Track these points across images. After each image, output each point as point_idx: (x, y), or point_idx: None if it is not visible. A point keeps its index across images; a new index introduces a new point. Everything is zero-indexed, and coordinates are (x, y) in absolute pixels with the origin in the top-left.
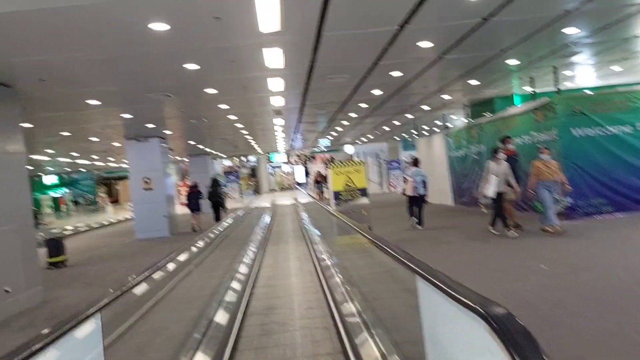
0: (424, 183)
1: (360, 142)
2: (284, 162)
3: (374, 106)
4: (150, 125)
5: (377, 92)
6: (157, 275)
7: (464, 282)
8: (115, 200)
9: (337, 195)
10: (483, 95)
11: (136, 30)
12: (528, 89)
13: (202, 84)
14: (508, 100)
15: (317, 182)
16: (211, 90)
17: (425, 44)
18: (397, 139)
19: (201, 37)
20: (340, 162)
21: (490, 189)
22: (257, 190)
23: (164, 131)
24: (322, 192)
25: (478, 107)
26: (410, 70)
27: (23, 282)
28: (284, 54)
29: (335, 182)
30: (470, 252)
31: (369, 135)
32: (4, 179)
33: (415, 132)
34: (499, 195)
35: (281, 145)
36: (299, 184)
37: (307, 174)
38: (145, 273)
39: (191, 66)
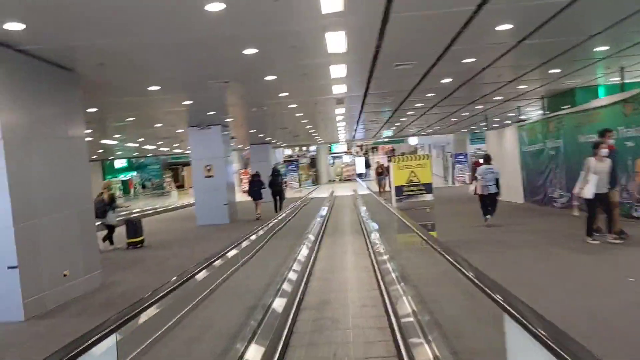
0: (496, 180)
1: (425, 134)
2: (345, 153)
3: (443, 96)
4: (212, 113)
5: (446, 80)
6: (212, 266)
7: (539, 296)
8: (180, 185)
9: (399, 190)
10: (563, 86)
11: (193, 12)
12: (616, 79)
13: (262, 71)
14: (591, 91)
15: (378, 173)
16: (271, 78)
17: (504, 27)
18: (465, 130)
19: (259, 19)
20: (405, 155)
21: (589, 189)
22: (316, 181)
23: (226, 119)
24: (383, 185)
25: (556, 99)
26: (485, 57)
27: (82, 267)
28: (347, 38)
29: (397, 177)
30: (547, 260)
31: (435, 127)
32: (64, 164)
33: (485, 124)
34: (599, 196)
35: (342, 135)
36: (359, 175)
37: (367, 165)
38: (201, 265)
39: (250, 51)
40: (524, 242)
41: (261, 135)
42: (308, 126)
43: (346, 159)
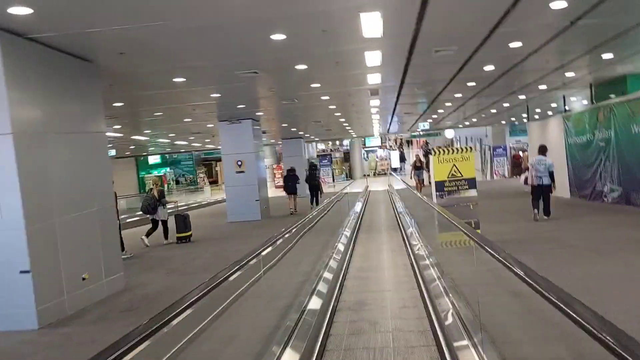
0: (550, 173)
1: (462, 126)
2: (379, 147)
3: (483, 85)
4: (241, 106)
5: (488, 68)
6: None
7: (604, 304)
8: (214, 181)
9: (440, 185)
10: (613, 73)
11: None
12: None
13: (291, 59)
14: None
15: (416, 167)
16: (301, 67)
17: (558, 5)
18: (504, 122)
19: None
20: (446, 148)
21: None
22: (350, 175)
23: (256, 113)
24: (421, 180)
25: (605, 87)
26: (533, 40)
27: (102, 269)
28: (383, 20)
29: (438, 171)
30: (605, 262)
31: (473, 119)
32: (84, 161)
33: (526, 116)
34: None
35: (376, 128)
36: (394, 170)
37: (402, 159)
38: (229, 271)
39: (278, 37)
40: (578, 240)
41: (293, 129)
42: (341, 119)
43: (380, 152)
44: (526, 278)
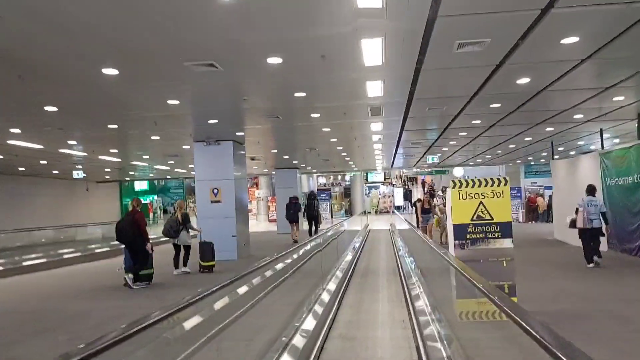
0: (602, 214)
1: (472, 164)
2: (382, 183)
3: (510, 108)
4: (213, 122)
5: (522, 80)
6: None
7: None
8: None
9: (460, 231)
10: None
11: None
12: None
13: (262, 48)
14: None
15: (424, 210)
16: (275, 59)
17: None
18: (519, 162)
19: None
20: (471, 180)
21: None
22: (349, 211)
23: (237, 133)
24: (430, 228)
25: None
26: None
27: None
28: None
29: (458, 211)
30: None
31: (486, 155)
32: None
33: (545, 154)
34: None
35: (379, 161)
36: (397, 208)
37: (406, 197)
38: None
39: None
40: None
41: (286, 157)
42: (339, 147)
43: (384, 189)
44: None
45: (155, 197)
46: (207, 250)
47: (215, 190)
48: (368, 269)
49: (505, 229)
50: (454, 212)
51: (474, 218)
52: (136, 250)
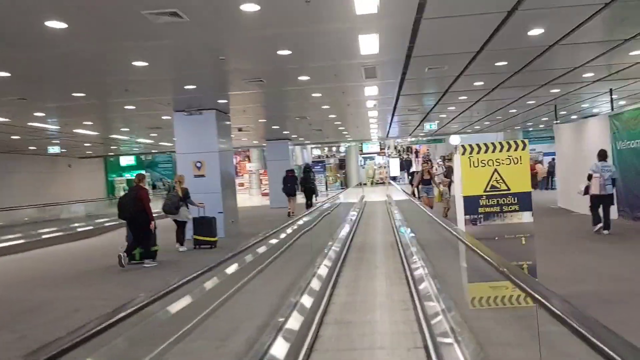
0: (613, 180)
1: (470, 131)
2: (377, 153)
3: (515, 67)
4: (190, 87)
5: (534, 32)
6: None
7: None
8: None
9: (472, 204)
10: None
11: None
12: None
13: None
14: None
15: (424, 181)
16: (251, 6)
17: None
18: (518, 128)
19: None
20: (483, 144)
21: None
22: (344, 184)
23: (220, 101)
24: (431, 201)
25: None
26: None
27: None
28: None
29: (469, 181)
30: None
31: (485, 122)
32: None
33: (545, 119)
34: None
35: (375, 131)
36: (393, 179)
37: (402, 167)
38: None
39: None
40: None
41: (276, 127)
42: (331, 115)
43: (379, 160)
44: None
45: (143, 172)
46: (207, 225)
47: (199, 164)
48: (365, 243)
49: (524, 201)
50: (464, 183)
51: (488, 189)
52: (137, 227)
